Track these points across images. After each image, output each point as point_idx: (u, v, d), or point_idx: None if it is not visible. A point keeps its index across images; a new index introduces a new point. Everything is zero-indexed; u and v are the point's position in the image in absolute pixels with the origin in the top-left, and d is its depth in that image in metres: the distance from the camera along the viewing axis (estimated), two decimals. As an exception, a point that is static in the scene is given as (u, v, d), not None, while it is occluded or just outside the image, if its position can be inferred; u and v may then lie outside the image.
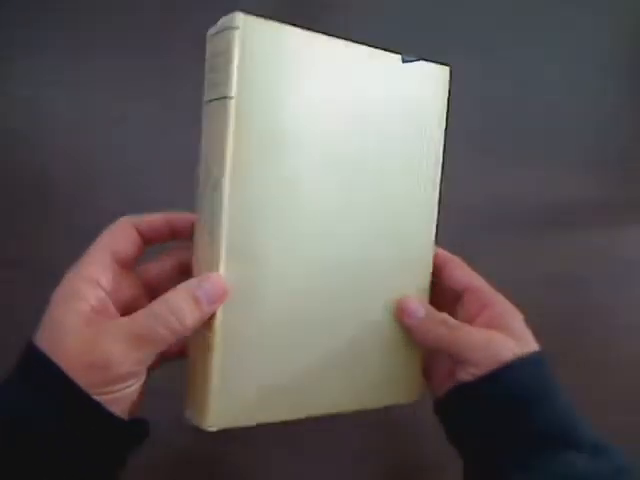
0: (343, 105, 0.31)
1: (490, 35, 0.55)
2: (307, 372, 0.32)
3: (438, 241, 0.53)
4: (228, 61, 0.27)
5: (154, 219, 0.33)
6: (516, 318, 0.34)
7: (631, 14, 0.57)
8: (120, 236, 0.31)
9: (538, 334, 0.52)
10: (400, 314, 0.33)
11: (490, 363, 0.30)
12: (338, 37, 0.31)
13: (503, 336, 0.31)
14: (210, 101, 0.28)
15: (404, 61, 0.36)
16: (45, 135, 0.52)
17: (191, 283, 0.28)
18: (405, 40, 0.56)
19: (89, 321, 0.27)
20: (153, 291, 0.32)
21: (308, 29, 0.31)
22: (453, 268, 0.36)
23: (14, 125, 0.53)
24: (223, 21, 0.28)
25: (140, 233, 0.32)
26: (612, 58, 0.56)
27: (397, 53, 0.35)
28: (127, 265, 0.31)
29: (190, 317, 0.27)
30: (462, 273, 0.36)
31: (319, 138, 0.30)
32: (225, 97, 0.27)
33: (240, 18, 0.27)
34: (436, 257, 0.37)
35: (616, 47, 0.56)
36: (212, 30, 0.29)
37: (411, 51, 0.33)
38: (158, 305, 0.27)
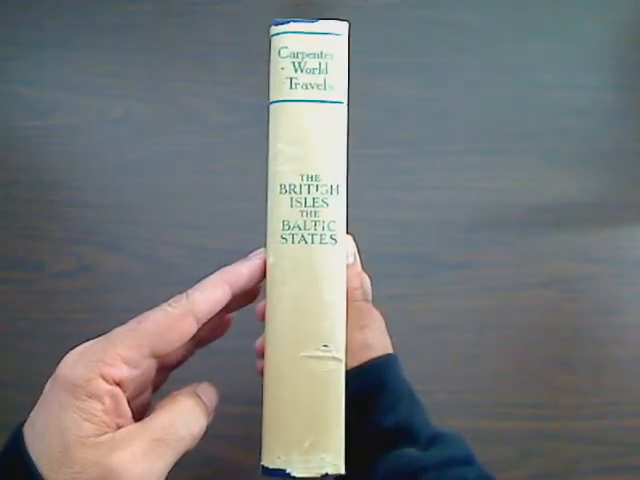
0: None
1: (490, 35, 0.55)
2: None
3: (439, 241, 0.54)
4: (340, 67, 0.27)
5: (216, 302, 0.26)
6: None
7: (630, 14, 0.57)
8: (170, 335, 0.24)
9: (538, 334, 0.52)
10: None
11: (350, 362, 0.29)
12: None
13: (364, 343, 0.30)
14: (303, 101, 0.27)
15: None
16: (45, 135, 0.52)
17: None
18: (404, 40, 0.56)
19: (98, 429, 0.22)
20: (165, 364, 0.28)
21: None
22: None
23: (14, 125, 0.53)
24: (325, 25, 0.27)
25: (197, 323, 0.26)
26: (611, 58, 0.56)
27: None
28: (162, 360, 0.26)
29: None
30: None
31: None
32: (336, 102, 0.27)
33: (347, 27, 0.27)
34: None
35: (615, 47, 0.56)
36: (300, 26, 0.27)
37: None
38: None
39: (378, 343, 0.31)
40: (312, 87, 0.26)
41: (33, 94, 0.53)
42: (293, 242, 0.26)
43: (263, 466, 0.26)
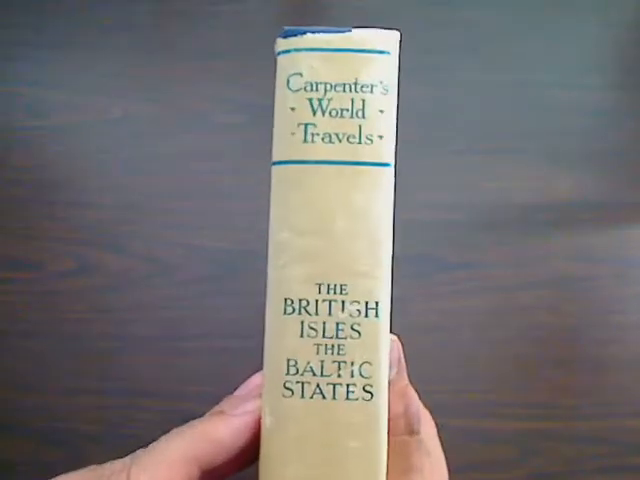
0: None
1: (490, 35, 0.55)
2: None
3: (439, 241, 0.54)
4: (386, 105, 0.17)
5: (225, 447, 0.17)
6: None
7: (631, 14, 0.57)
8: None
9: (538, 334, 0.52)
10: None
11: None
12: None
13: None
14: (324, 162, 0.17)
15: None
16: (45, 135, 0.52)
17: None
18: (404, 40, 0.56)
19: None
20: None
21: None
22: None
23: (14, 125, 0.53)
24: (363, 37, 0.17)
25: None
26: (612, 58, 0.56)
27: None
28: None
29: None
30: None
31: None
32: (379, 164, 0.17)
33: (397, 39, 0.17)
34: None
35: (616, 46, 0.56)
36: (322, 38, 0.17)
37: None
38: None
39: None
40: (340, 139, 0.17)
41: (33, 94, 0.53)
42: (303, 396, 0.17)
43: None
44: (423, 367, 0.52)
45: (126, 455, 0.19)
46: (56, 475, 0.19)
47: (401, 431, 0.21)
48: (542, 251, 0.51)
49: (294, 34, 0.17)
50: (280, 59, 0.17)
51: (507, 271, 0.51)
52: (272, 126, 0.17)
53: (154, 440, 0.22)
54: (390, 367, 0.19)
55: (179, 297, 0.49)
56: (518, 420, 0.48)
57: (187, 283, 0.49)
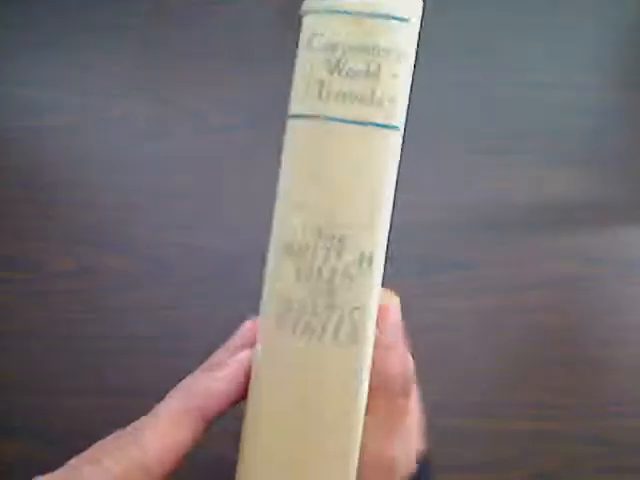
0: None
1: (490, 35, 0.55)
2: None
3: (439, 241, 0.54)
4: (400, 71, 0.17)
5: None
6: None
7: (631, 14, 0.57)
8: (156, 447, 0.17)
9: (538, 334, 0.52)
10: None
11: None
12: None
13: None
14: (334, 119, 0.17)
15: None
16: (45, 135, 0.52)
17: None
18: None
19: None
20: None
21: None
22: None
23: (14, 125, 0.53)
24: (387, 4, 0.17)
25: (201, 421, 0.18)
26: (612, 58, 0.56)
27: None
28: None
29: None
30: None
31: None
32: (387, 126, 0.17)
33: (419, 8, 0.18)
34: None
35: (616, 47, 0.56)
36: (348, 3, 0.18)
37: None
38: None
39: (403, 461, 0.21)
40: (352, 99, 0.17)
41: (33, 94, 0.53)
42: (294, 332, 0.18)
43: None
44: (423, 367, 0.52)
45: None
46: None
47: (397, 392, 0.21)
48: (542, 251, 0.51)
49: None
50: (305, 19, 0.18)
51: (507, 271, 0.51)
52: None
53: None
54: (389, 331, 0.20)
55: (179, 297, 0.49)
56: (518, 420, 0.48)
57: (187, 283, 0.49)
